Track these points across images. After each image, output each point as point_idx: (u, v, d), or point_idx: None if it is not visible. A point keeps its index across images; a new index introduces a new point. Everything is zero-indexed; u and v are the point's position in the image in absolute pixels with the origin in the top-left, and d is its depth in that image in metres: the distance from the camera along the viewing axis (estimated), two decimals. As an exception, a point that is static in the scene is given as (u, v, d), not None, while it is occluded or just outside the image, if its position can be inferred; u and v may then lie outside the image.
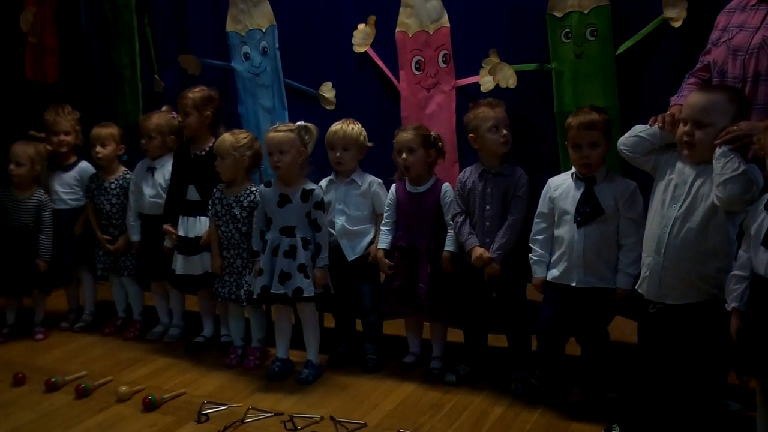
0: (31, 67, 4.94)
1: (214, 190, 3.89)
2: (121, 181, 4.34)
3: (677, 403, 2.85)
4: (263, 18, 4.18)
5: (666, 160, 2.85)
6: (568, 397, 3.33)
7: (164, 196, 4.14)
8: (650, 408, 2.89)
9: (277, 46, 4.17)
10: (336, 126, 3.74)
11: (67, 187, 4.44)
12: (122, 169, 4.39)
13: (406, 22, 3.81)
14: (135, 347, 4.21)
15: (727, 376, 2.92)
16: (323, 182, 3.83)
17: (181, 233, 3.99)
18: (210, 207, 3.88)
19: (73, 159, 4.47)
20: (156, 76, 4.56)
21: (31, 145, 4.29)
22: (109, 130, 4.31)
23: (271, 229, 3.64)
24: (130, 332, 4.37)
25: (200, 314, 4.28)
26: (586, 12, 3.38)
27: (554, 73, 3.51)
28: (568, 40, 3.45)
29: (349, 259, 3.76)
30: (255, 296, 3.66)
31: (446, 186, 3.62)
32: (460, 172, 3.68)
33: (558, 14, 3.45)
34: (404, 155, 3.57)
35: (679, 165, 2.79)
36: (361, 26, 3.93)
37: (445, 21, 3.73)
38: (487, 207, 3.45)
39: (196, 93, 3.99)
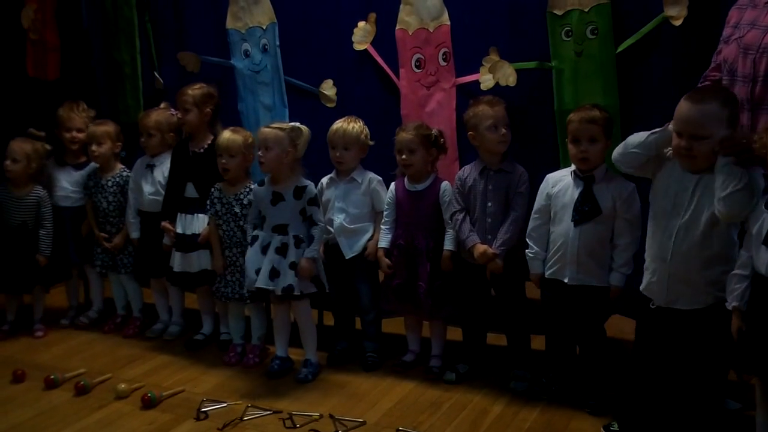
0: (32, 63, 4.93)
1: (212, 189, 3.88)
2: (118, 179, 4.33)
3: (675, 401, 2.84)
4: (263, 15, 4.17)
5: (665, 165, 2.82)
6: (568, 395, 3.33)
7: (163, 193, 4.14)
8: (648, 406, 2.89)
9: (277, 43, 4.16)
10: (337, 125, 3.73)
11: (76, 186, 4.43)
12: (120, 166, 4.38)
13: (407, 19, 3.81)
14: (134, 345, 4.20)
15: (727, 376, 2.91)
16: (324, 180, 3.83)
17: (179, 230, 3.99)
18: (209, 206, 3.88)
19: (84, 158, 4.45)
20: (155, 74, 4.56)
21: (29, 143, 4.28)
22: (105, 128, 4.29)
23: (264, 228, 3.64)
24: (130, 329, 4.37)
25: (200, 312, 4.27)
26: (586, 10, 3.37)
27: (554, 71, 3.50)
28: (569, 38, 3.45)
29: (347, 257, 3.76)
30: (246, 293, 3.67)
31: (445, 184, 3.61)
32: (459, 170, 3.69)
33: (558, 12, 3.44)
34: (404, 156, 3.57)
35: (678, 172, 2.76)
36: (361, 24, 3.92)
37: (446, 19, 3.72)
38: (489, 204, 3.45)
39: (196, 90, 3.98)
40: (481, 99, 3.48)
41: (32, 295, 4.42)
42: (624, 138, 2.93)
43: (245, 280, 3.66)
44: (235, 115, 4.33)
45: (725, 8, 3.01)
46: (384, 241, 3.69)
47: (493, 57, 3.59)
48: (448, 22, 3.71)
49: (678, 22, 3.19)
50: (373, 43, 3.92)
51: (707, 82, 3.01)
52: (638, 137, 2.82)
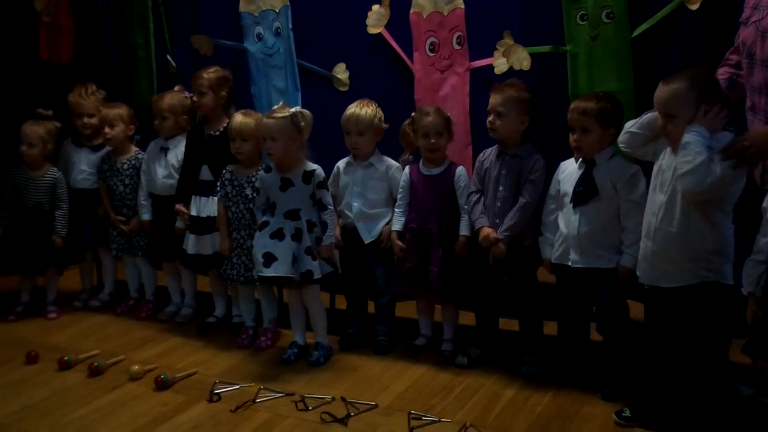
0: (45, 46, 4.93)
1: (224, 171, 3.89)
2: (133, 162, 4.34)
3: (682, 382, 2.84)
4: (276, -2, 4.17)
5: (661, 146, 2.85)
6: (581, 380, 3.32)
7: (176, 176, 4.14)
8: (657, 390, 2.89)
9: (290, 26, 4.15)
10: (350, 110, 3.71)
11: (93, 168, 4.44)
12: (134, 149, 4.40)
13: (421, 3, 3.79)
14: (147, 327, 4.23)
15: (727, 357, 2.91)
16: (341, 163, 3.82)
17: (193, 213, 4.00)
18: (219, 188, 3.88)
19: (101, 140, 4.42)
20: (168, 57, 4.56)
21: (41, 125, 4.29)
22: (118, 111, 4.30)
23: (275, 214, 3.63)
24: (143, 312, 4.40)
25: (212, 294, 4.29)
26: (602, -6, 3.36)
27: (569, 55, 3.48)
28: (584, 22, 3.43)
29: (366, 242, 3.75)
30: (256, 277, 3.67)
31: (461, 169, 3.60)
32: (472, 154, 3.67)
33: (574, -4, 3.42)
34: (433, 140, 3.55)
35: (667, 152, 2.81)
36: (375, 7, 3.91)
37: (460, 2, 3.70)
38: (500, 188, 3.44)
39: (211, 73, 3.99)
40: (508, 82, 3.46)
41: (45, 277, 4.45)
42: (639, 123, 2.94)
43: (254, 265, 3.66)
44: (248, 98, 4.32)
45: (742, -7, 2.98)
46: (397, 224, 3.69)
47: (507, 41, 3.58)
48: (462, 6, 3.70)
49: (694, 7, 3.16)
50: (387, 27, 3.91)
51: (723, 69, 3.00)
52: (635, 121, 2.90)
